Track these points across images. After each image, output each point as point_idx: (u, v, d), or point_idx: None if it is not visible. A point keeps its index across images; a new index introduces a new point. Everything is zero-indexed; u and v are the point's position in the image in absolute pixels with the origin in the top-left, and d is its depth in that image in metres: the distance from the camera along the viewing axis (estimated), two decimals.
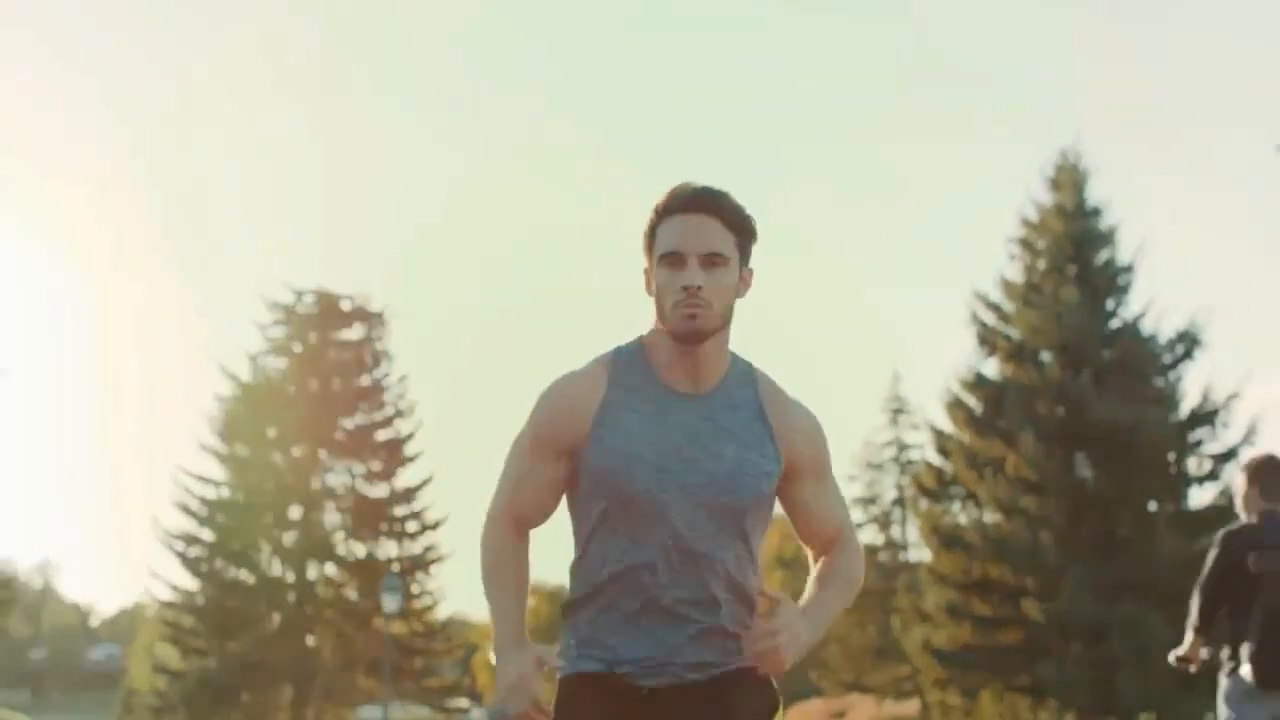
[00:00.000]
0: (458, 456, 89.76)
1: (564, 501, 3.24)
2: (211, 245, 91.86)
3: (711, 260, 3.07)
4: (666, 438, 3.09)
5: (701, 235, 3.08)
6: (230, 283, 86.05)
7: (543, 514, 3.21)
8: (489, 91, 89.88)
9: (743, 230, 3.14)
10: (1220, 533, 6.55)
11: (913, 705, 37.35)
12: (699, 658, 3.09)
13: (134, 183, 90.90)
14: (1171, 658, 6.60)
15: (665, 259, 3.09)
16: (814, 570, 3.32)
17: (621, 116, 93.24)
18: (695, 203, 3.10)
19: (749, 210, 3.18)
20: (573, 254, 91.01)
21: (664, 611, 3.07)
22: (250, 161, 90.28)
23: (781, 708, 3.20)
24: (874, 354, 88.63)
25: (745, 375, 3.20)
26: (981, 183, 76.93)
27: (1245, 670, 6.21)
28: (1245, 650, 6.18)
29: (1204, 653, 6.47)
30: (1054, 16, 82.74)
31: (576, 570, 3.19)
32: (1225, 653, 6.35)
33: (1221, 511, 27.91)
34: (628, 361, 3.18)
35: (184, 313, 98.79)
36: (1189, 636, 6.51)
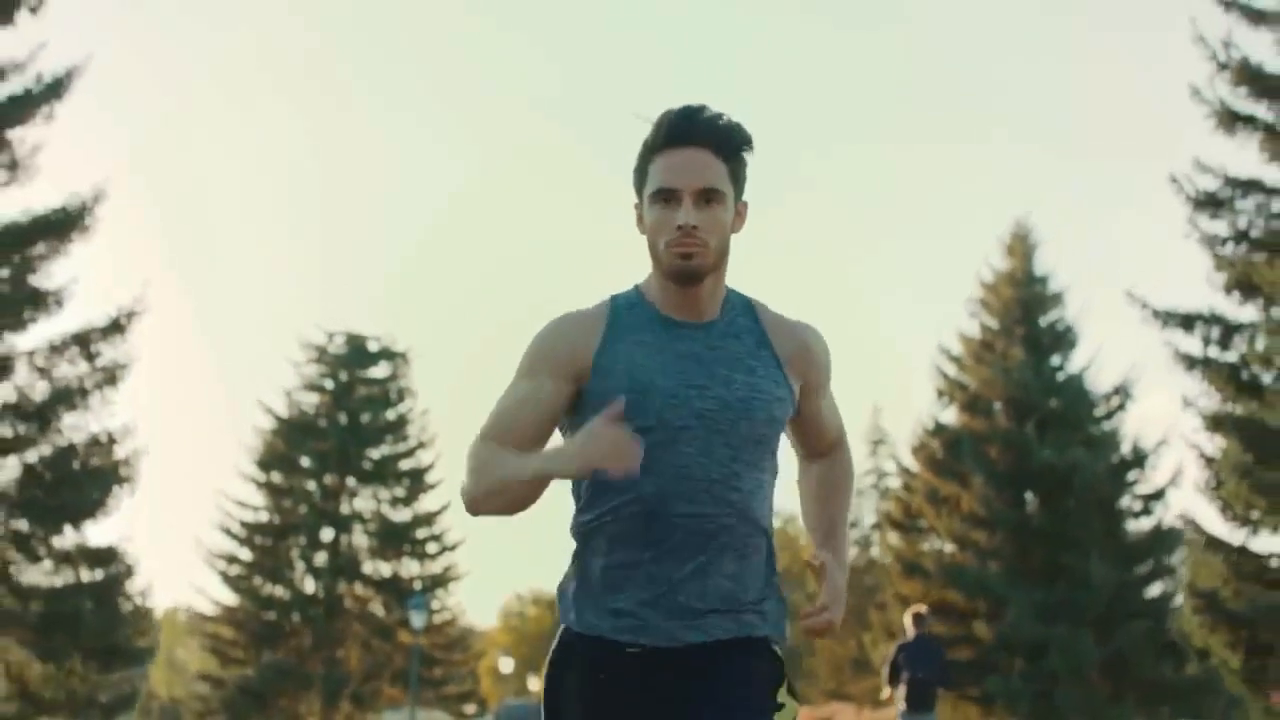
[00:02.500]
0: None
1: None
2: (211, 255, 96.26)
3: (706, 196, 3.02)
4: (674, 365, 3.05)
5: (695, 170, 3.02)
6: (230, 282, 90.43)
7: (530, 442, 3.04)
8: (489, 99, 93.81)
9: (736, 156, 3.08)
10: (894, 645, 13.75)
11: (889, 713, 42.81)
12: (705, 602, 3.01)
13: (132, 188, 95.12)
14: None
15: (657, 196, 3.04)
16: (806, 479, 3.39)
17: (620, 124, 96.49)
18: (686, 134, 3.04)
19: (740, 126, 3.10)
20: (577, 267, 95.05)
21: (676, 538, 3.00)
22: (248, 167, 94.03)
23: (787, 684, 3.14)
24: (872, 358, 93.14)
25: (742, 304, 3.18)
26: (981, 191, 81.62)
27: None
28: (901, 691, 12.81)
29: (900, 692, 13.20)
30: (1055, 25, 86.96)
31: (581, 515, 3.12)
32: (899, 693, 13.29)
33: (1151, 545, 33.47)
34: (626, 301, 3.15)
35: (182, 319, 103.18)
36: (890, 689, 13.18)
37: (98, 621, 21.63)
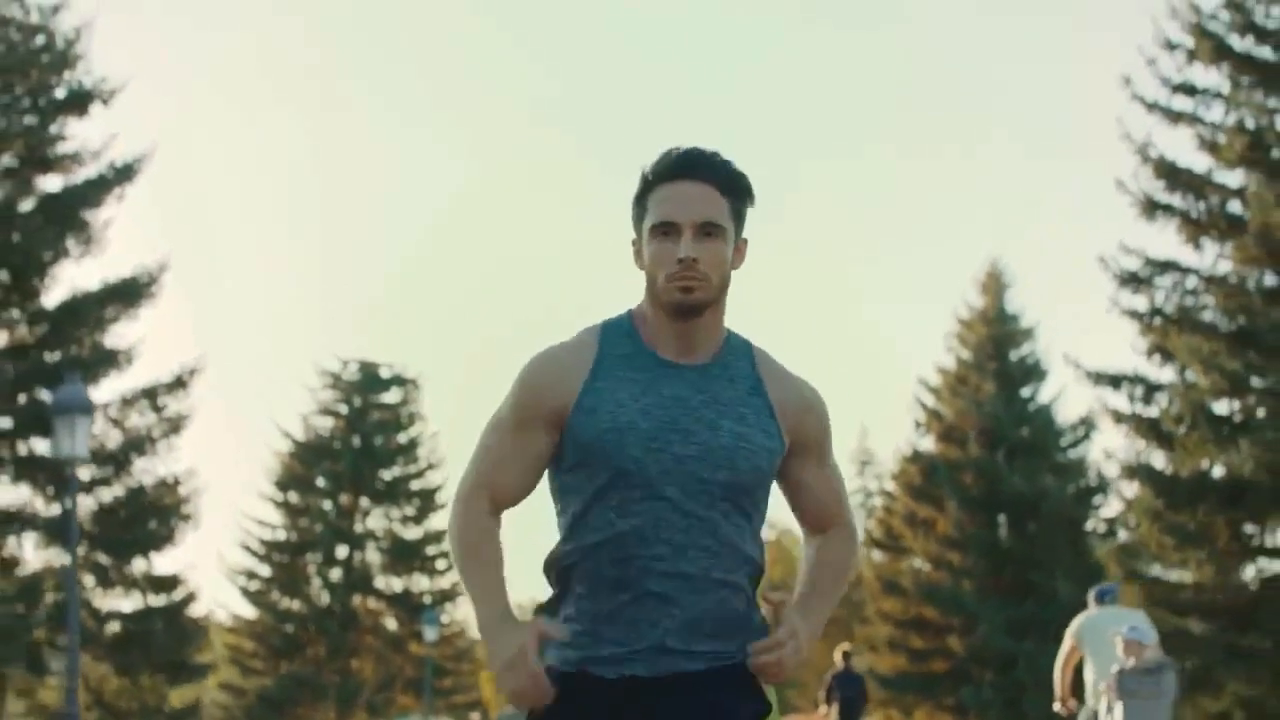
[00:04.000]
0: None
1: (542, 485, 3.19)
2: (210, 257, 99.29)
3: (707, 230, 3.03)
4: (660, 408, 3.04)
5: (696, 204, 3.04)
6: (231, 280, 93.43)
7: (521, 493, 3.14)
8: (487, 105, 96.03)
9: (739, 195, 3.10)
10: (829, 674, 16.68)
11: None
12: (685, 644, 3.04)
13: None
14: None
15: (657, 229, 3.05)
16: (807, 550, 3.33)
17: (617, 129, 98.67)
18: (688, 169, 3.07)
19: (743, 172, 3.12)
20: (583, 282, 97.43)
21: (652, 583, 3.02)
22: (247, 170, 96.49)
23: (777, 711, 3.18)
24: (862, 376, 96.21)
25: (742, 349, 3.16)
26: (978, 200, 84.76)
27: None
28: (835, 709, 16.41)
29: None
30: (1052, 25, 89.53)
31: (558, 552, 3.14)
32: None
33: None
34: (617, 332, 3.14)
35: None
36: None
37: (165, 640, 25.40)
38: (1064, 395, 39.36)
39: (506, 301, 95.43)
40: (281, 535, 45.12)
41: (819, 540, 3.31)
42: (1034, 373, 39.39)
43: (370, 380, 46.63)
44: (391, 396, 46.86)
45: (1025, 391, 39.25)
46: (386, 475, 45.90)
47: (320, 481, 45.53)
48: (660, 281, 3.05)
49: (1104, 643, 11.34)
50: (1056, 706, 12.15)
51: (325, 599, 44.97)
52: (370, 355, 47.36)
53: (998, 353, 39.06)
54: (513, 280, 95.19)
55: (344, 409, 46.35)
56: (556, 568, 3.15)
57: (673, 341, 3.10)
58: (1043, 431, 38.33)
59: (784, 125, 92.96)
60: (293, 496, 45.47)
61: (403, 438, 46.48)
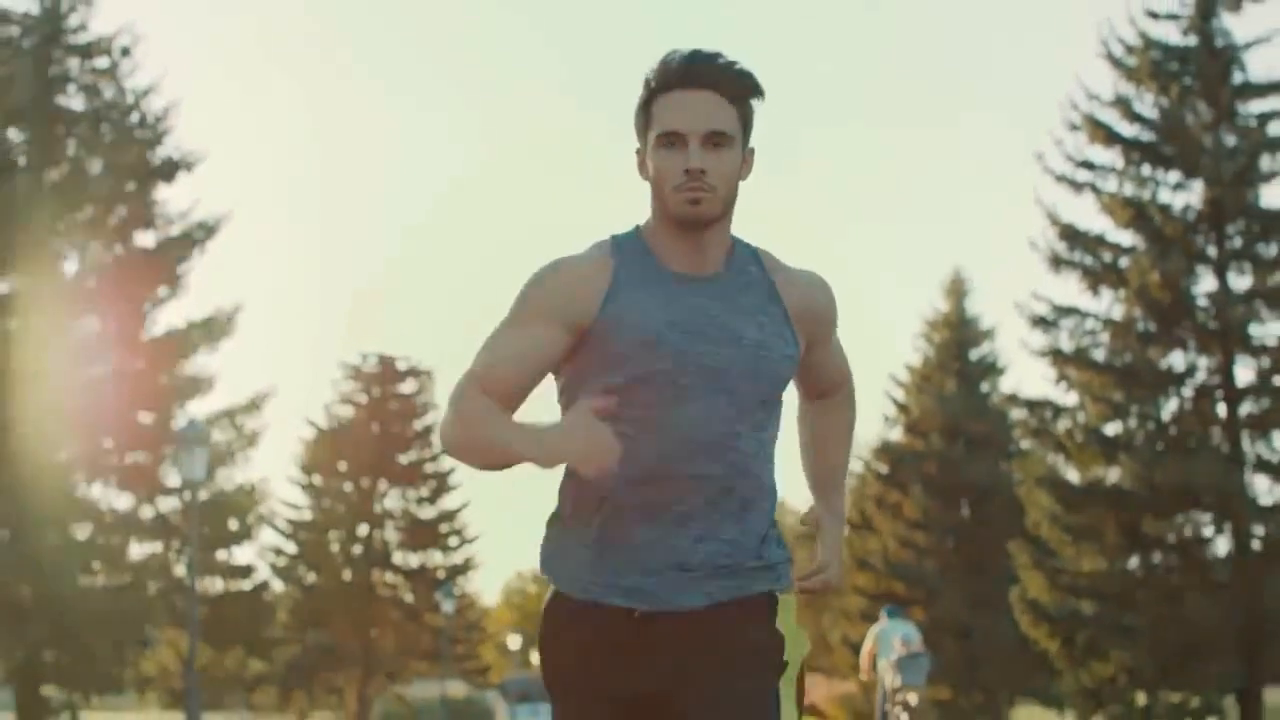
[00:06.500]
0: (491, 485, 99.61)
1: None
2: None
3: (714, 140, 3.07)
4: (684, 319, 3.09)
5: (703, 112, 3.07)
6: (230, 278, 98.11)
7: (518, 390, 3.13)
8: (491, 80, 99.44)
9: (746, 101, 3.13)
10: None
11: (849, 684, 52.96)
12: (704, 565, 3.09)
13: None
14: None
15: (662, 139, 3.09)
16: (809, 414, 3.50)
17: (614, 100, 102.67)
18: (695, 76, 3.08)
19: (750, 72, 3.14)
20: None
21: (672, 499, 3.08)
22: (248, 147, 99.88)
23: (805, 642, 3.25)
24: (868, 344, 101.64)
25: (751, 255, 3.24)
26: (972, 173, 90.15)
27: None
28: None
29: None
30: (1053, 4, 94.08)
31: (572, 475, 3.18)
32: None
33: None
34: (630, 249, 3.17)
35: None
36: None
37: (245, 618, 32.01)
38: (1020, 391, 45.77)
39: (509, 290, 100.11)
40: (307, 515, 50.42)
41: (818, 407, 3.48)
42: (991, 370, 45.79)
43: (388, 373, 52.33)
44: (407, 387, 52.28)
45: (984, 387, 45.65)
46: (403, 459, 51.20)
47: (342, 466, 50.69)
48: (667, 193, 3.09)
49: (888, 644, 19.07)
50: (862, 676, 20.23)
51: (347, 574, 50.15)
52: (387, 349, 53.62)
53: (960, 353, 45.45)
54: (519, 267, 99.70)
55: (364, 399, 51.76)
56: (574, 490, 3.20)
57: (684, 254, 3.14)
58: (999, 424, 44.75)
59: (788, 98, 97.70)
60: (317, 479, 50.75)
61: (418, 425, 51.77)
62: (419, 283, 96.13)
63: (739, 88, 3.12)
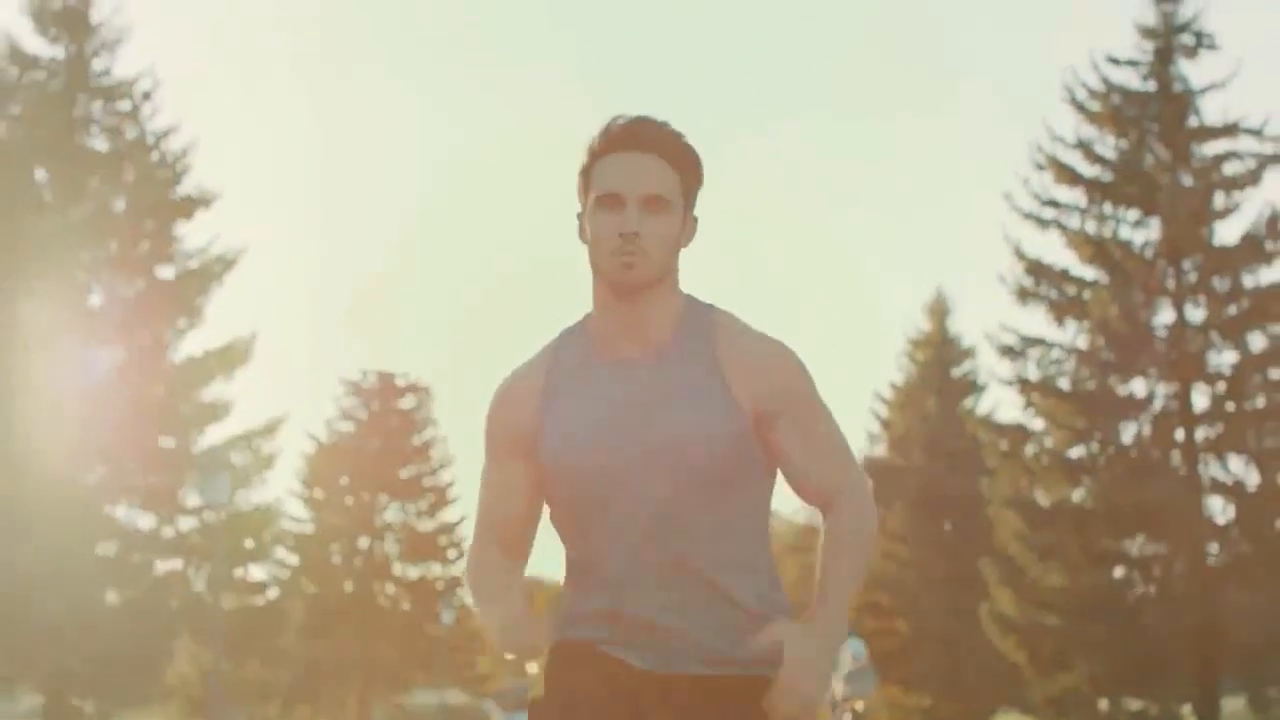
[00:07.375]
0: None
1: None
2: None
3: (653, 204, 3.05)
4: (606, 412, 3.10)
5: (643, 175, 3.05)
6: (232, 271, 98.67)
7: (525, 526, 3.23)
8: (495, 70, 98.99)
9: (688, 170, 3.11)
10: None
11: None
12: (677, 646, 3.11)
13: None
14: None
15: (601, 200, 3.07)
16: (822, 536, 3.31)
17: (607, 91, 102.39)
18: (635, 138, 3.08)
19: (694, 146, 3.13)
20: (581, 281, 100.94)
21: (627, 584, 3.10)
22: (251, 139, 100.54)
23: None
24: (862, 330, 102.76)
25: (699, 326, 3.16)
26: (966, 159, 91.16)
27: None
28: None
29: None
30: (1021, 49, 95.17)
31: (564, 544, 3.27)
32: None
33: None
34: (570, 341, 3.20)
35: None
36: None
37: (260, 631, 34.35)
38: (998, 411, 48.06)
39: (511, 309, 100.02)
40: (309, 528, 51.84)
41: (827, 521, 3.28)
42: (972, 388, 48.09)
43: (388, 389, 54.08)
44: (407, 403, 53.92)
45: (966, 404, 47.94)
46: (403, 474, 52.48)
47: (343, 480, 52.15)
48: (602, 256, 3.07)
49: (840, 659, 20.78)
50: None
51: (349, 586, 51.57)
52: (386, 366, 55.61)
53: (941, 372, 47.75)
54: (518, 287, 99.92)
55: (364, 414, 53.51)
56: (565, 558, 3.25)
57: (623, 332, 3.13)
58: (979, 442, 47.03)
59: (776, 86, 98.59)
60: (318, 493, 52.19)
61: (417, 440, 53.29)
62: (419, 301, 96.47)
63: (681, 153, 3.13)
